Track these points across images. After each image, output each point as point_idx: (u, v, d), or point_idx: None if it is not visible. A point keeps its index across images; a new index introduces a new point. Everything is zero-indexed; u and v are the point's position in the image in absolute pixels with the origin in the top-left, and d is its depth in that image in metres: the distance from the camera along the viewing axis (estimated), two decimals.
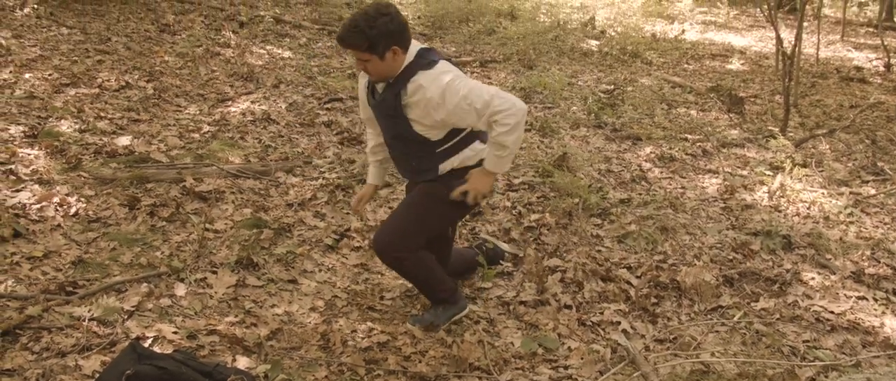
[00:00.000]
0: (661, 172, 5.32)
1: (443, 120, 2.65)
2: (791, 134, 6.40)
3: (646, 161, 5.51)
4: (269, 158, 4.76)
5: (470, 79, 2.68)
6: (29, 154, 4.17)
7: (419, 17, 11.04)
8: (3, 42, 6.22)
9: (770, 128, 6.54)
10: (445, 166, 2.81)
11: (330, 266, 3.48)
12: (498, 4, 11.38)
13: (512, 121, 2.55)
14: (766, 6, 7.43)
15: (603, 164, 5.29)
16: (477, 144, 2.83)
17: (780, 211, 4.67)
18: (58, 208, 3.59)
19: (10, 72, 5.59)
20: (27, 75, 5.59)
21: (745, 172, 5.42)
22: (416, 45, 2.69)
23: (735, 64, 9.84)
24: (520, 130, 2.60)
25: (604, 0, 12.11)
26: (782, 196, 4.84)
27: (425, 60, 2.65)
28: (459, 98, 2.57)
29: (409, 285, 3.22)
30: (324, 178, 4.48)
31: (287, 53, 7.75)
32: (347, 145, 5.19)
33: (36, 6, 7.41)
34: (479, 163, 2.79)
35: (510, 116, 2.55)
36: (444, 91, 2.57)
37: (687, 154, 5.70)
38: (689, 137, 6.16)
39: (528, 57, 8.81)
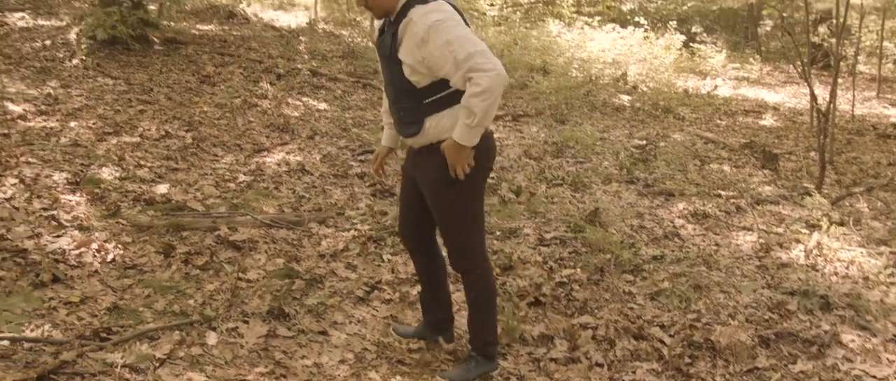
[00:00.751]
0: (695, 229, 5.26)
1: (424, 60, 2.55)
2: (827, 191, 6.32)
3: (679, 217, 5.47)
4: (303, 209, 4.81)
5: (464, 27, 2.56)
6: (71, 200, 4.28)
7: None
8: (52, 91, 6.45)
9: (805, 185, 6.46)
10: (431, 122, 2.66)
11: (360, 318, 3.48)
12: (530, 59, 11.50)
13: (486, 83, 2.43)
14: (799, 62, 7.41)
15: (635, 219, 5.26)
16: None
17: (817, 270, 4.58)
18: (96, 254, 3.66)
19: (57, 120, 5.78)
20: (73, 124, 5.77)
21: (780, 230, 5.34)
22: None
23: (768, 120, 9.79)
24: (492, 98, 2.47)
25: (636, 56, 12.17)
26: (819, 255, 4.75)
27: None
28: (443, 42, 2.48)
29: (438, 338, 3.20)
30: (356, 229, 4.51)
31: (322, 105, 7.90)
32: (380, 197, 5.23)
33: (84, 57, 7.68)
34: (486, 130, 2.68)
35: (487, 77, 2.43)
36: (429, 28, 2.49)
37: (721, 211, 5.65)
38: (723, 193, 6.10)
39: (559, 112, 8.86)
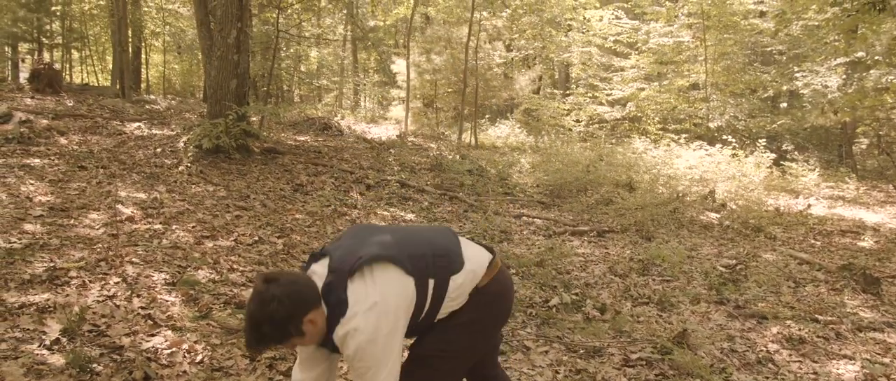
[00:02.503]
0: (790, 355, 5.01)
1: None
2: None
3: (772, 342, 5.22)
4: None
5: (389, 347, 2.29)
6: (167, 300, 4.47)
7: (538, 186, 11.29)
8: (158, 196, 6.85)
9: None
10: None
11: None
12: (616, 175, 11.51)
13: None
14: None
15: (726, 342, 5.05)
16: (452, 280, 2.46)
17: None
18: (186, 354, 3.78)
19: (161, 223, 6.11)
20: (174, 226, 6.09)
21: (887, 361, 5.02)
22: (320, 278, 2.35)
23: (868, 241, 9.36)
24: None
25: (724, 173, 12.00)
26: None
27: (335, 304, 2.29)
28: (363, 364, 2.27)
29: None
30: None
31: (410, 215, 8.07)
32: None
33: (189, 164, 8.17)
34: (478, 290, 2.50)
35: None
36: (349, 357, 2.29)
37: (818, 336, 5.37)
38: (820, 317, 5.81)
39: (645, 228, 8.76)
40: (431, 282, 2.40)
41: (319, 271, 2.36)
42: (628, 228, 8.81)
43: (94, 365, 3.42)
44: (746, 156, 12.96)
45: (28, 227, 5.56)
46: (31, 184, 6.82)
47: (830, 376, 4.68)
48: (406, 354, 2.58)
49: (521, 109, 20.25)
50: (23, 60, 21.38)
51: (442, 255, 2.47)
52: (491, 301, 2.55)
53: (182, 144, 9.21)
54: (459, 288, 2.46)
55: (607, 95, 19.32)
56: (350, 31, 26.72)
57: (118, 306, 4.22)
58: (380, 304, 2.27)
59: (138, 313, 4.18)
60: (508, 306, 2.67)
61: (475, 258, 2.55)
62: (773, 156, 13.98)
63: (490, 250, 2.65)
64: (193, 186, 7.66)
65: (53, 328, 3.73)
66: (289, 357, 3.91)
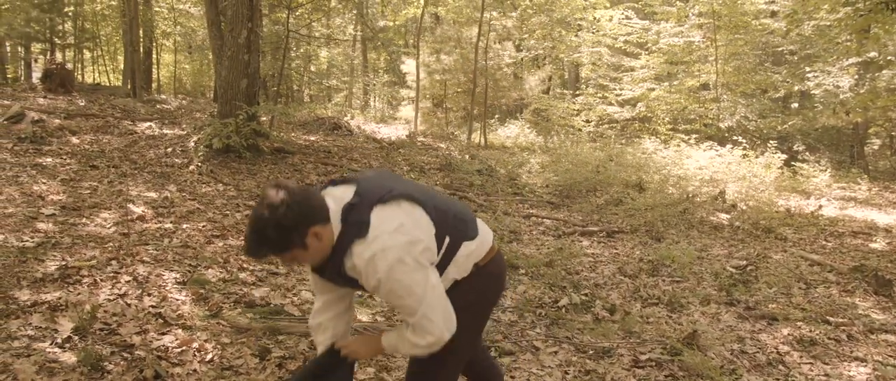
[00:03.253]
0: (801, 357, 4.98)
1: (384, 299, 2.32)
2: None
3: (783, 343, 5.20)
4: (396, 318, 4.87)
5: (417, 270, 2.21)
6: (177, 299, 4.49)
7: (548, 186, 11.28)
8: (169, 195, 6.88)
9: None
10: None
11: None
12: (626, 176, 11.48)
13: (428, 341, 2.27)
14: None
15: (736, 344, 5.03)
16: (465, 246, 2.43)
17: None
18: (196, 353, 3.80)
19: (172, 222, 6.14)
20: (185, 225, 6.11)
21: None
22: (333, 201, 2.25)
23: (880, 243, 9.30)
24: (427, 351, 2.32)
25: (734, 174, 11.94)
26: None
27: (355, 225, 2.20)
28: (393, 295, 2.22)
29: None
30: None
31: None
32: None
33: (200, 164, 8.20)
34: (477, 268, 2.46)
35: (431, 340, 2.27)
36: (377, 283, 2.19)
37: (829, 338, 5.34)
38: (832, 319, 5.78)
39: (655, 229, 8.73)
40: (447, 240, 2.37)
41: (339, 194, 2.29)
42: (638, 228, 8.79)
43: (106, 363, 3.44)
44: (757, 156, 12.91)
45: (40, 226, 5.60)
46: (44, 183, 6.86)
47: (842, 378, 4.66)
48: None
49: (531, 109, 20.23)
50: (35, 60, 21.53)
51: (461, 219, 2.47)
52: (488, 282, 2.54)
53: (192, 144, 9.24)
54: (467, 257, 2.44)
55: (617, 95, 19.28)
56: (360, 32, 26.76)
57: (129, 305, 4.24)
58: (407, 227, 2.22)
59: (149, 312, 4.21)
60: (502, 289, 2.66)
61: (484, 234, 2.54)
62: (784, 157, 13.91)
63: None
64: (204, 185, 7.69)
65: (65, 327, 3.76)
66: (298, 357, 3.93)
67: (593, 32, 19.79)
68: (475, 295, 2.49)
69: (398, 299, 2.22)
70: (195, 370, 3.62)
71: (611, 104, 19.20)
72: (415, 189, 2.40)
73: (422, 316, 2.23)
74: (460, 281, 2.45)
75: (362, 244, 2.17)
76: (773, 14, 17.98)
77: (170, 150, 9.00)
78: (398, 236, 2.18)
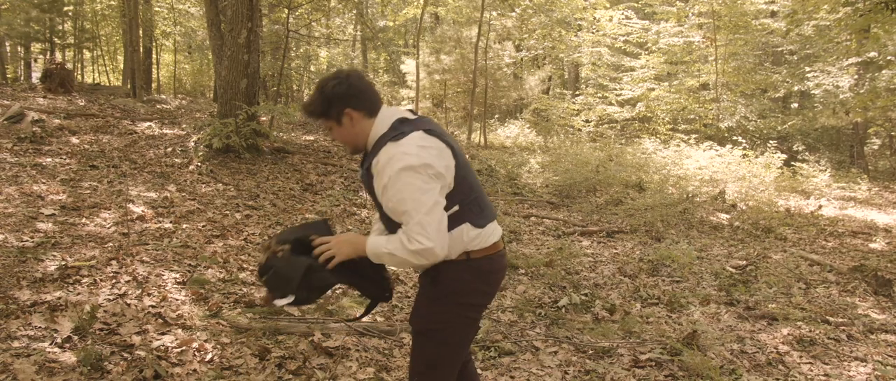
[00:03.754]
0: (801, 357, 4.98)
1: (387, 206, 2.42)
2: None
3: (783, 343, 5.20)
4: (395, 318, 4.87)
5: (425, 185, 2.33)
6: (177, 299, 4.49)
7: (548, 186, 11.28)
8: (169, 195, 6.88)
9: None
10: None
11: None
12: (626, 176, 11.49)
13: (416, 248, 2.30)
14: None
15: (735, 344, 5.03)
16: (466, 227, 2.49)
17: None
18: (196, 352, 3.79)
19: (171, 222, 6.14)
20: (185, 225, 6.11)
21: None
22: (394, 112, 2.51)
23: (880, 242, 9.30)
24: (414, 264, 2.39)
25: (734, 174, 11.95)
26: None
27: (397, 131, 2.42)
28: (398, 197, 2.33)
29: None
30: None
31: None
32: None
33: (199, 164, 8.20)
34: (468, 257, 2.49)
35: (419, 247, 2.30)
36: (388, 181, 2.35)
37: (829, 338, 5.34)
38: (831, 319, 5.78)
39: (655, 229, 8.73)
40: (456, 208, 2.46)
41: (403, 111, 2.55)
42: (638, 228, 8.79)
43: (105, 363, 3.44)
44: (757, 156, 12.91)
45: (40, 225, 5.60)
46: (43, 183, 6.86)
47: (842, 378, 4.66)
48: None
49: (531, 109, 20.24)
50: (35, 60, 21.51)
51: (479, 204, 2.56)
52: (475, 277, 2.53)
53: (192, 144, 9.24)
54: (461, 239, 2.47)
55: (617, 95, 19.28)
56: (360, 32, 26.75)
57: (129, 305, 4.24)
58: (433, 153, 2.38)
59: (149, 312, 4.21)
60: (490, 290, 2.63)
61: (491, 232, 2.57)
62: (784, 157, 13.92)
63: None
64: (203, 185, 7.69)
65: (65, 326, 3.76)
66: (298, 357, 3.93)
67: (593, 32, 19.79)
68: (459, 285, 2.50)
69: (400, 204, 2.33)
70: (195, 370, 3.62)
71: (611, 104, 19.20)
72: (461, 154, 2.55)
73: (417, 223, 2.30)
74: (450, 264, 2.47)
75: (392, 146, 2.36)
76: (773, 14, 17.98)
77: (170, 150, 9.00)
78: (422, 152, 2.35)
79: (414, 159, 2.32)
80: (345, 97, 2.45)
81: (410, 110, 2.59)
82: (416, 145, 2.35)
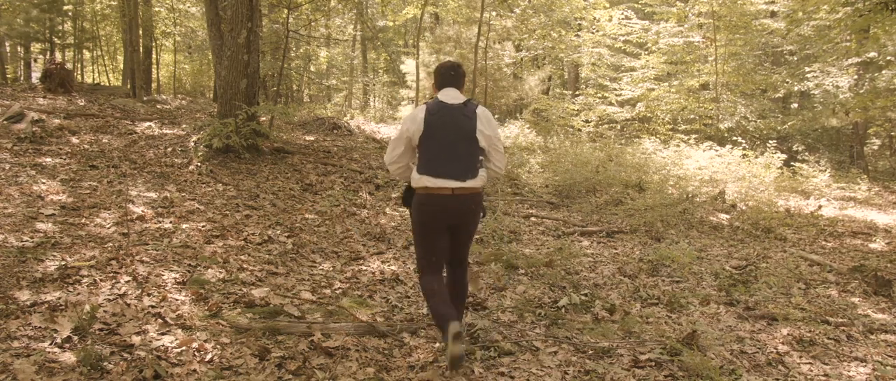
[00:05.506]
0: (801, 357, 4.98)
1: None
2: None
3: (783, 344, 5.20)
4: (395, 319, 4.87)
5: (399, 131, 4.20)
6: (177, 299, 4.49)
7: (548, 186, 11.27)
8: (169, 195, 6.88)
9: None
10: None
11: None
12: (626, 176, 11.48)
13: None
14: None
15: (735, 344, 5.04)
16: (414, 171, 4.18)
17: None
18: (196, 353, 3.79)
19: (171, 222, 6.14)
20: (184, 226, 6.11)
21: None
22: (444, 94, 4.21)
23: (880, 243, 9.30)
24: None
25: (734, 174, 11.95)
26: None
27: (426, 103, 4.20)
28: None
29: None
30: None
31: None
32: (471, 310, 5.24)
33: (199, 164, 8.20)
34: (414, 189, 4.21)
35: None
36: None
37: (829, 338, 5.34)
38: (831, 319, 5.78)
39: (655, 229, 8.73)
40: (416, 157, 4.17)
41: (452, 94, 4.27)
42: (638, 228, 8.79)
43: (105, 363, 3.44)
44: (757, 157, 12.91)
45: (40, 226, 5.60)
46: (43, 183, 6.86)
47: (841, 378, 4.66)
48: None
49: (531, 109, 20.22)
50: (35, 60, 21.53)
51: (427, 161, 4.08)
52: (417, 201, 4.16)
53: (192, 144, 9.24)
54: (412, 177, 4.18)
55: (617, 95, 19.28)
56: (360, 32, 26.76)
57: (129, 305, 4.24)
58: (410, 118, 4.14)
59: (148, 312, 4.21)
60: (426, 214, 4.13)
61: (426, 180, 4.06)
62: (784, 157, 13.93)
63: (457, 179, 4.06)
64: (203, 185, 7.69)
65: (65, 327, 3.76)
66: (297, 357, 3.93)
67: (593, 32, 19.78)
68: (414, 201, 4.19)
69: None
70: (195, 370, 3.61)
71: (611, 104, 19.20)
72: (439, 129, 4.07)
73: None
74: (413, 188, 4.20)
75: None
76: (773, 14, 17.98)
77: (170, 150, 9.00)
78: (407, 117, 4.18)
79: (405, 118, 4.19)
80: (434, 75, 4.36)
81: (464, 98, 4.25)
82: (410, 112, 4.09)
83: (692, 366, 4.30)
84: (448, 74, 4.21)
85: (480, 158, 4.10)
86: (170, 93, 21.50)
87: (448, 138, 4.03)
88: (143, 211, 6.38)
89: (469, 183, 4.04)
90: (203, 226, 6.26)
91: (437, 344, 4.38)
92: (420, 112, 4.00)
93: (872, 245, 9.23)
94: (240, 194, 7.63)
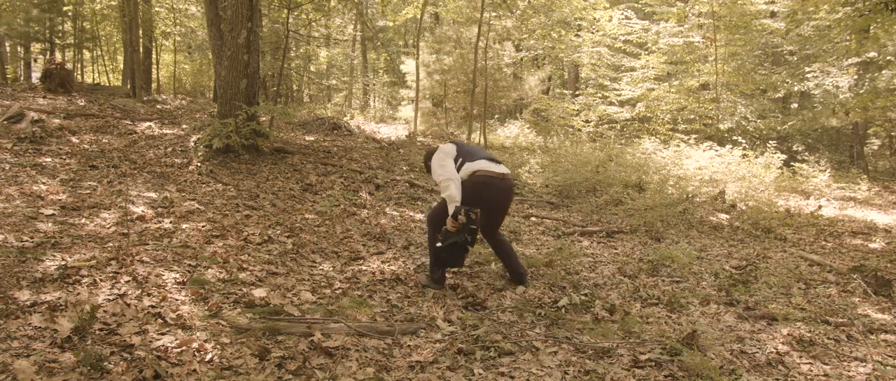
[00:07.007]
0: (801, 357, 4.98)
1: None
2: None
3: (783, 343, 5.20)
4: (395, 319, 4.87)
5: (442, 156, 5.42)
6: (177, 299, 4.49)
7: (547, 186, 11.27)
8: (169, 195, 6.88)
9: None
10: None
11: None
12: (625, 176, 11.48)
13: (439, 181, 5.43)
14: None
15: (735, 344, 5.03)
16: (468, 164, 5.42)
17: None
18: (196, 353, 3.79)
19: (171, 222, 6.14)
20: (184, 225, 6.11)
21: None
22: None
23: (880, 242, 9.31)
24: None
25: (734, 174, 11.95)
26: None
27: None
28: (433, 167, 5.48)
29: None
30: (447, 341, 4.52)
31: (419, 216, 8.07)
32: (471, 310, 5.24)
33: (199, 164, 8.20)
34: (472, 174, 5.40)
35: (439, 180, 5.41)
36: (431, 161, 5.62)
37: (829, 339, 5.34)
38: (831, 319, 5.78)
39: (655, 229, 8.73)
40: (460, 160, 5.40)
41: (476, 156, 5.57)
42: (638, 228, 8.79)
43: (105, 363, 3.44)
44: (757, 157, 12.91)
45: (40, 225, 5.60)
46: (43, 183, 6.86)
47: (841, 378, 4.66)
48: None
49: (531, 109, 20.23)
50: (35, 60, 21.53)
51: (471, 154, 5.46)
52: (476, 182, 5.33)
53: (192, 144, 9.24)
54: (466, 170, 5.36)
55: (617, 95, 19.27)
56: (360, 32, 26.76)
57: (129, 305, 4.24)
58: (443, 151, 5.47)
59: (148, 312, 4.21)
60: (491, 191, 5.42)
61: (483, 165, 5.38)
62: (784, 157, 13.92)
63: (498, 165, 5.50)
64: (203, 185, 7.69)
65: (65, 327, 3.76)
66: (298, 357, 3.93)
67: (593, 32, 19.78)
68: (472, 186, 5.27)
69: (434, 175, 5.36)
70: (195, 371, 3.61)
71: (611, 104, 19.20)
72: (463, 144, 5.58)
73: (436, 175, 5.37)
74: (465, 180, 5.30)
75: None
76: (773, 14, 17.97)
77: (169, 150, 9.00)
78: (440, 149, 5.48)
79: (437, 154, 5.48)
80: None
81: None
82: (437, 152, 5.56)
83: (692, 366, 4.30)
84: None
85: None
86: (170, 93, 21.51)
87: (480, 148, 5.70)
88: (143, 211, 6.38)
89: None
90: (203, 226, 6.26)
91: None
92: (447, 149, 5.51)
93: (872, 245, 9.23)
94: (240, 194, 7.63)
